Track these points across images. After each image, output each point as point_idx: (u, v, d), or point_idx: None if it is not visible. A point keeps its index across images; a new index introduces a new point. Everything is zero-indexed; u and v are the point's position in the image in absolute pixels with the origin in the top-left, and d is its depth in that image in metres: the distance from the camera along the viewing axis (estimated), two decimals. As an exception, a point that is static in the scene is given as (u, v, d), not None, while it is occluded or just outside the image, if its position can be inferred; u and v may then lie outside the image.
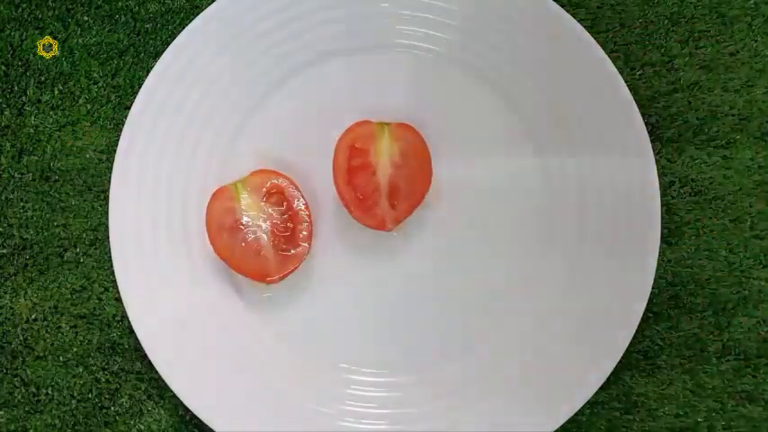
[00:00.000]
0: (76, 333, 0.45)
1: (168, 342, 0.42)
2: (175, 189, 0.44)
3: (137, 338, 0.42)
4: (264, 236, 0.43)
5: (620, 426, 0.44)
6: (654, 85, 0.47)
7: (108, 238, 0.43)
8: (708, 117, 0.46)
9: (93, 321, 0.45)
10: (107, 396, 0.44)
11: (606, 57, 0.44)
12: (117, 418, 0.44)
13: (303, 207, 0.43)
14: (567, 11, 0.45)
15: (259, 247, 0.42)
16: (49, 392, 0.45)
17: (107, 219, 0.43)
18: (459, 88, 0.45)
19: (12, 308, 0.45)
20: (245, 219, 0.43)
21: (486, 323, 0.44)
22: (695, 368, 0.45)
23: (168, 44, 0.45)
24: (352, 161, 0.42)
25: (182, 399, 0.42)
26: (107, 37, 0.47)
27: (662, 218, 0.43)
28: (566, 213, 0.44)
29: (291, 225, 0.43)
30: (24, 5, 0.47)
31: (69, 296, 0.45)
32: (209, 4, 0.45)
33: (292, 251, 0.42)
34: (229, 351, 0.43)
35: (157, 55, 0.45)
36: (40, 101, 0.47)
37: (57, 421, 0.44)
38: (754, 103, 0.47)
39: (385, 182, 0.43)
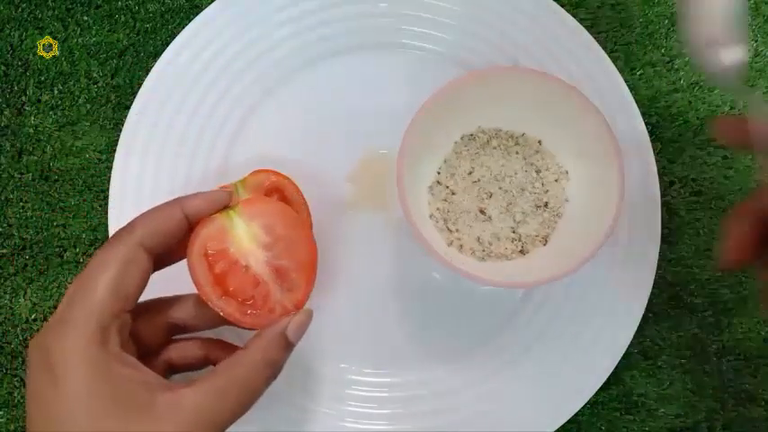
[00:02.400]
0: (76, 333, 0.45)
1: (168, 342, 0.42)
2: (175, 189, 0.44)
3: (137, 338, 0.42)
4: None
5: (620, 426, 0.44)
6: (654, 85, 0.47)
7: (108, 238, 0.43)
8: (708, 117, 0.46)
9: (92, 321, 0.45)
10: (107, 396, 0.44)
11: (606, 57, 0.44)
12: (117, 418, 0.44)
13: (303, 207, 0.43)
14: (568, 11, 0.45)
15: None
16: (49, 392, 0.45)
17: (107, 219, 0.43)
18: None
19: (12, 308, 0.45)
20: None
21: (485, 324, 0.44)
22: (695, 368, 0.45)
23: (168, 44, 0.45)
24: (215, 269, 0.34)
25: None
26: (107, 37, 0.47)
27: (662, 218, 0.44)
28: (566, 213, 0.44)
29: None
30: (24, 5, 0.47)
31: (69, 296, 0.45)
32: (209, 4, 0.45)
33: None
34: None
35: (157, 55, 0.45)
36: (39, 101, 0.46)
37: (56, 421, 0.44)
38: (754, 103, 0.46)
39: (264, 270, 0.35)
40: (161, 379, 0.29)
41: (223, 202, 0.34)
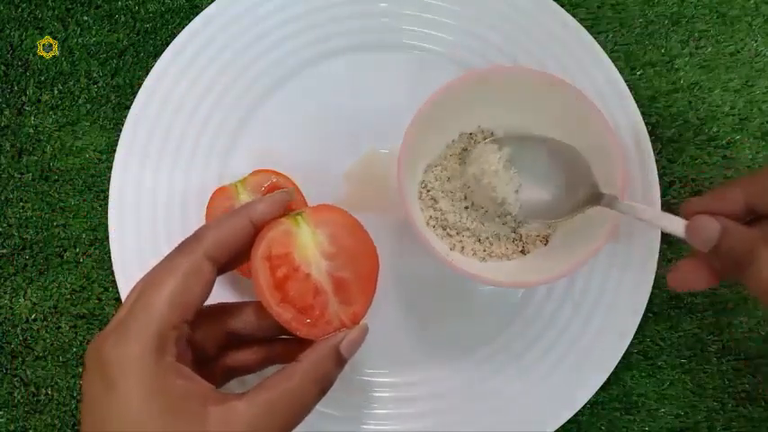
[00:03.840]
0: (76, 333, 0.45)
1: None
2: (175, 189, 0.44)
3: (137, 338, 0.42)
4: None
5: (620, 426, 0.44)
6: (654, 85, 0.47)
7: (108, 238, 0.43)
8: (708, 117, 0.46)
9: (92, 321, 0.45)
10: (107, 396, 0.44)
11: (606, 57, 0.44)
12: (117, 418, 0.44)
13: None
14: (567, 11, 0.45)
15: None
16: (49, 392, 0.44)
17: (107, 219, 0.43)
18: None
19: (11, 308, 0.45)
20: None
21: (486, 324, 0.44)
22: (695, 368, 0.45)
23: (168, 44, 0.45)
24: (277, 273, 0.33)
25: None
26: (107, 37, 0.47)
27: (662, 218, 0.43)
28: (566, 213, 0.44)
29: None
30: (24, 5, 0.47)
31: (69, 296, 0.45)
32: (209, 4, 0.45)
33: None
34: (229, 351, 0.43)
35: (157, 55, 0.45)
36: (39, 101, 0.46)
37: (57, 421, 0.44)
38: (754, 103, 0.47)
39: (325, 279, 0.34)
40: (214, 390, 0.29)
41: (285, 203, 0.34)
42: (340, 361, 0.32)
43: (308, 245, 0.34)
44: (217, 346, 0.34)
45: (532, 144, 0.41)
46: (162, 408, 0.27)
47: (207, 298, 0.31)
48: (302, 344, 0.33)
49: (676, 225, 0.33)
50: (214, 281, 0.31)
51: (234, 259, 0.32)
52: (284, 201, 0.34)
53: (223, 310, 0.34)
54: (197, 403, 0.28)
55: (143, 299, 0.29)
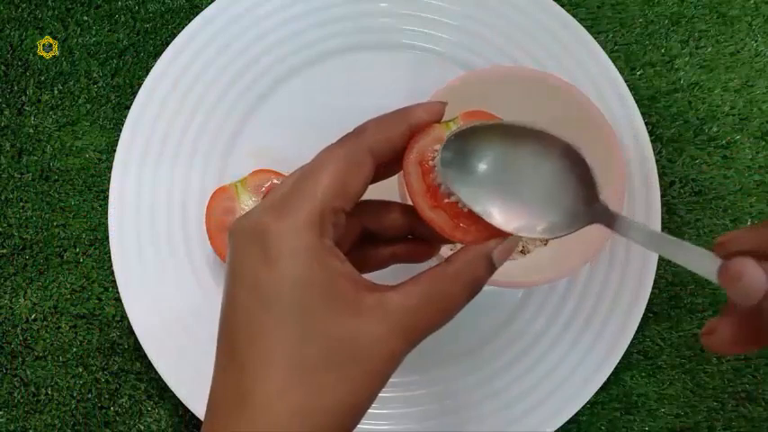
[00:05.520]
0: (76, 333, 0.45)
1: (168, 342, 0.42)
2: (175, 189, 0.44)
3: (137, 338, 0.42)
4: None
5: (620, 426, 0.44)
6: (654, 85, 0.47)
7: (108, 238, 0.43)
8: (708, 117, 0.47)
9: (92, 321, 0.45)
10: (107, 396, 0.44)
11: (606, 57, 0.44)
12: (117, 418, 0.44)
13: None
14: (568, 11, 0.45)
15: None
16: (49, 392, 0.44)
17: (107, 219, 0.43)
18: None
19: (11, 308, 0.45)
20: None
21: (486, 324, 0.44)
22: (695, 368, 0.45)
23: (168, 44, 0.45)
24: (428, 179, 0.32)
25: (182, 399, 0.42)
26: (107, 37, 0.47)
27: (662, 218, 0.43)
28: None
29: None
30: (24, 5, 0.47)
31: (69, 296, 0.45)
32: (209, 4, 0.45)
33: None
34: (229, 351, 0.43)
35: (157, 55, 0.45)
36: (39, 101, 0.46)
37: (56, 421, 0.44)
38: (754, 103, 0.47)
39: None
40: (366, 279, 0.29)
41: (441, 114, 0.33)
42: (491, 267, 0.31)
43: None
44: (351, 241, 0.33)
45: (512, 137, 0.33)
46: (321, 286, 0.27)
47: (363, 193, 0.30)
48: (430, 246, 0.33)
49: (707, 264, 0.25)
50: (371, 177, 0.30)
51: (389, 162, 0.32)
52: (440, 112, 0.32)
53: (366, 205, 0.34)
54: (353, 288, 0.28)
55: (306, 180, 0.29)
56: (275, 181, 0.43)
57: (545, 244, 0.41)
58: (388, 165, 0.32)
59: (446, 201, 0.32)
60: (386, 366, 0.28)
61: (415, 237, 0.34)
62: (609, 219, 0.30)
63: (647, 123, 0.44)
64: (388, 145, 0.31)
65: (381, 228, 0.34)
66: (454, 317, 0.30)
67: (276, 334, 0.26)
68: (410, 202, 0.32)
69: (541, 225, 0.31)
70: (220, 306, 0.28)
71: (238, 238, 0.28)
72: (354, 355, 0.27)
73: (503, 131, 0.32)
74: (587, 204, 0.30)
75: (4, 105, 0.46)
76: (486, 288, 0.44)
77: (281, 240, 0.27)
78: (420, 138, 0.33)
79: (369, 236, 0.34)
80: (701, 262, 0.25)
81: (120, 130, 0.44)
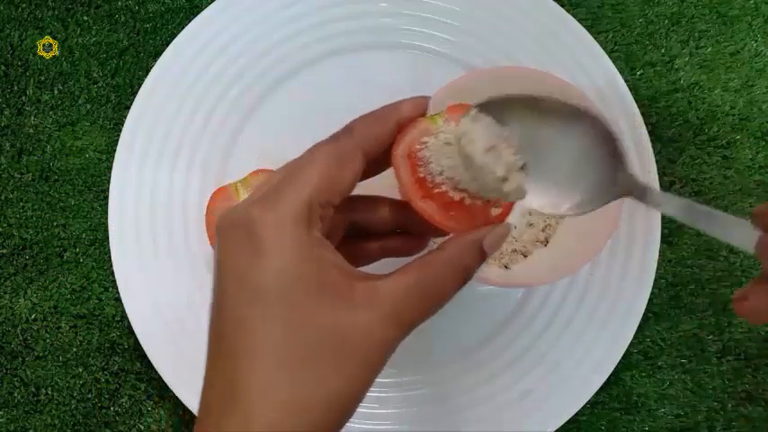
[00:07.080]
0: (76, 333, 0.45)
1: (168, 342, 0.42)
2: (175, 189, 0.44)
3: (137, 338, 0.42)
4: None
5: (620, 426, 0.44)
6: (654, 85, 0.47)
7: (108, 238, 0.43)
8: (708, 117, 0.46)
9: (92, 321, 0.45)
10: (107, 396, 0.44)
11: (606, 57, 0.44)
12: (117, 418, 0.44)
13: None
14: (567, 11, 0.45)
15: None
16: (49, 392, 0.45)
17: (107, 219, 0.43)
18: (459, 88, 0.45)
19: (11, 308, 0.45)
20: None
21: (485, 324, 0.44)
22: (695, 368, 0.45)
23: (168, 44, 0.45)
24: (418, 172, 0.33)
25: (182, 399, 0.42)
26: (107, 37, 0.47)
27: (662, 218, 0.43)
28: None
29: None
30: (24, 5, 0.47)
31: (69, 296, 0.45)
32: (209, 4, 0.45)
33: None
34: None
35: (157, 55, 0.45)
36: (39, 101, 0.46)
37: (56, 421, 0.44)
38: (754, 103, 0.47)
39: None
40: (355, 268, 0.29)
41: (425, 108, 0.34)
42: (482, 255, 0.31)
43: None
44: (338, 236, 0.33)
45: (537, 113, 0.33)
46: (310, 276, 0.27)
47: (352, 189, 0.31)
48: (419, 239, 0.33)
49: (744, 235, 0.25)
50: (360, 173, 0.31)
51: (378, 158, 0.32)
52: (425, 103, 0.33)
53: (354, 200, 0.34)
54: (343, 277, 0.28)
55: (295, 173, 0.29)
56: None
57: (545, 244, 0.41)
58: (377, 160, 0.32)
59: (436, 191, 0.32)
60: (379, 354, 0.28)
61: (404, 231, 0.34)
62: (639, 191, 0.29)
63: (647, 123, 0.44)
64: (376, 140, 0.31)
65: (371, 223, 0.34)
66: (445, 304, 0.30)
67: (265, 326, 0.26)
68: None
69: (567, 203, 0.31)
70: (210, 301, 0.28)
71: (225, 231, 0.28)
72: (347, 343, 0.27)
73: (528, 105, 0.32)
74: (614, 177, 0.29)
75: (4, 105, 0.46)
76: (486, 288, 0.44)
77: (269, 232, 0.27)
78: (407, 131, 0.33)
79: (358, 231, 0.34)
80: (738, 233, 0.25)
81: (120, 130, 0.44)
